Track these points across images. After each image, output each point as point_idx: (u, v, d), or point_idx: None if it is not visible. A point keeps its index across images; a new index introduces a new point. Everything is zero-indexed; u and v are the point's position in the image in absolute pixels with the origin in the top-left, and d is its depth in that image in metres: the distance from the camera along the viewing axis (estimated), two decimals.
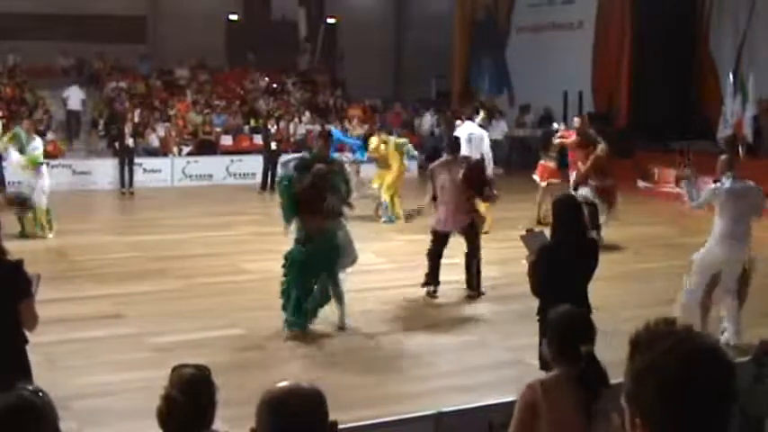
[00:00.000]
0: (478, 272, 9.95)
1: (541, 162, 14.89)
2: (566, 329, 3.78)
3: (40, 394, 2.62)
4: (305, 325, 8.44)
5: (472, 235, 9.89)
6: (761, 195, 8.14)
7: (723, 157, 8.48)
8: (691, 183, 8.32)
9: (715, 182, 8.18)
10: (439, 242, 9.92)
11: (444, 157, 10.30)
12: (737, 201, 7.93)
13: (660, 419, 1.69)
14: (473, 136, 13.02)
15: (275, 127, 19.86)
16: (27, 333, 5.03)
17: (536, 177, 14.87)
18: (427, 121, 25.46)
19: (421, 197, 11.96)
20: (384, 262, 11.71)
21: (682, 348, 1.68)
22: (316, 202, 8.35)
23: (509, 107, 24.78)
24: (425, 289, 9.90)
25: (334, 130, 18.13)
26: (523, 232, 6.38)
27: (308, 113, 24.05)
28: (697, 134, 21.14)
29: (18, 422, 2.48)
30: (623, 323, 8.34)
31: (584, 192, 12.42)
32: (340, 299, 8.55)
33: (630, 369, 1.73)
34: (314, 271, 8.44)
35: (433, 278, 9.90)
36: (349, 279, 8.97)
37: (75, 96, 22.57)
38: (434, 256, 9.90)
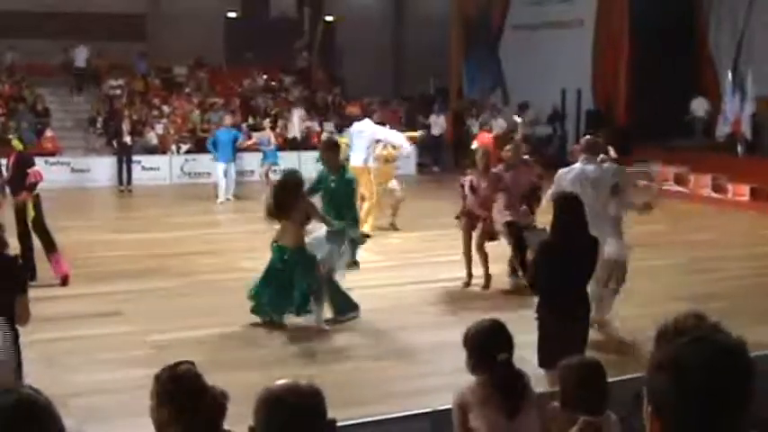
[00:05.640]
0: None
1: None
2: (482, 342, 4.01)
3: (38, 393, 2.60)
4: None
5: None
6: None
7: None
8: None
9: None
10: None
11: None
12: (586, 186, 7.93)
13: (672, 413, 1.65)
14: (363, 134, 13.43)
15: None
16: (21, 329, 5.04)
17: None
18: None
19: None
20: (381, 260, 11.69)
21: (701, 344, 1.63)
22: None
23: (503, 105, 24.69)
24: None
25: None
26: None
27: (302, 110, 23.86)
28: (695, 132, 21.17)
29: (24, 420, 2.46)
30: (623, 322, 8.39)
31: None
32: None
33: (650, 361, 1.70)
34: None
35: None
36: (346, 277, 8.97)
37: (81, 56, 23.94)
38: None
